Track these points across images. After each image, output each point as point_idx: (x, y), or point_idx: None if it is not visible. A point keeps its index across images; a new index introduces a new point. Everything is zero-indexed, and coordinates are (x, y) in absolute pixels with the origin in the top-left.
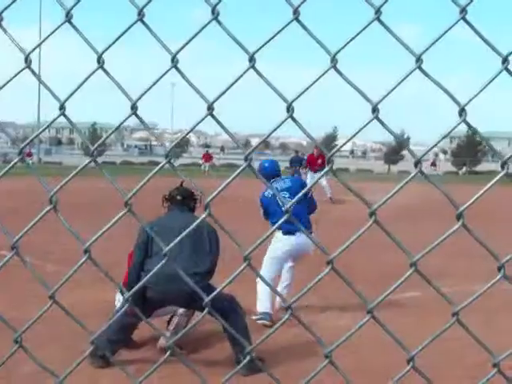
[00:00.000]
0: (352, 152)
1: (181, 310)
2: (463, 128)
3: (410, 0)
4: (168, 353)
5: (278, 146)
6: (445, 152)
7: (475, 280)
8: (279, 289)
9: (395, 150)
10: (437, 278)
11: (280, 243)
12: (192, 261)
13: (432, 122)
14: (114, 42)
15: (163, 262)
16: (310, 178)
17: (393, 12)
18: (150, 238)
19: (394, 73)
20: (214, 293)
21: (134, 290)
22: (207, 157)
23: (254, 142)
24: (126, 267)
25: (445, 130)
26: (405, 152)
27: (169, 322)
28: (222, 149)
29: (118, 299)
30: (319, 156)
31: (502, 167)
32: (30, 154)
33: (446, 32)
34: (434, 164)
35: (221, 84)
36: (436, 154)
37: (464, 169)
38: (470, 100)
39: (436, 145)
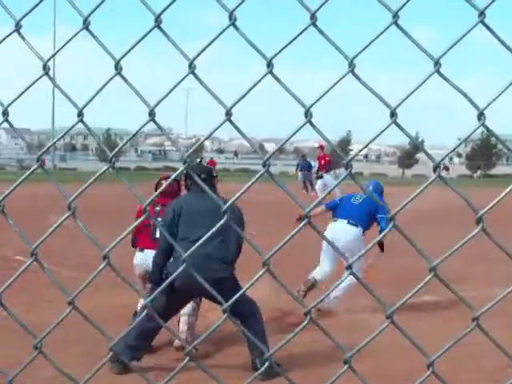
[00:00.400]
0: (366, 156)
1: (186, 310)
2: (478, 131)
3: (425, 1)
4: (187, 359)
5: (292, 150)
6: (459, 155)
7: (495, 284)
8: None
9: (409, 154)
10: (456, 282)
11: (328, 229)
12: (221, 247)
13: (446, 124)
14: (131, 49)
15: (179, 268)
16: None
17: (407, 14)
18: (174, 221)
19: (408, 75)
20: (233, 299)
21: (152, 296)
22: (212, 164)
23: (269, 146)
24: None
25: (460, 132)
26: (419, 156)
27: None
28: (236, 154)
29: (136, 257)
30: (323, 156)
31: None
32: (44, 162)
33: (465, 36)
34: (446, 168)
35: (236, 88)
36: (450, 158)
37: (479, 172)
38: (489, 104)
39: (455, 149)
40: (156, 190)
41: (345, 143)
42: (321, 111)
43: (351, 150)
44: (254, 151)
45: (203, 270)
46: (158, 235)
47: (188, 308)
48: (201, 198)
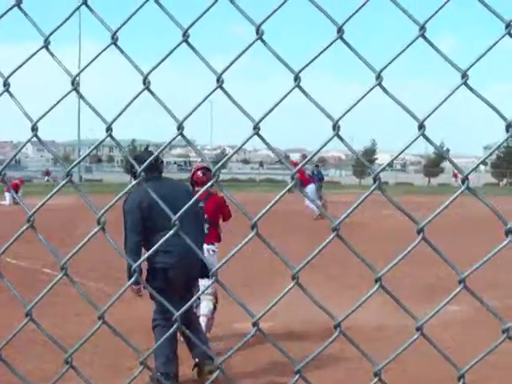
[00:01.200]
0: (391, 165)
1: (206, 311)
2: (502, 138)
3: (447, 9)
4: (217, 372)
5: (316, 160)
6: (485, 163)
7: None
8: None
9: (435, 163)
10: (487, 290)
11: None
12: (197, 232)
13: (468, 132)
14: (159, 64)
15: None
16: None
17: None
18: (147, 215)
19: (429, 84)
20: (265, 311)
21: (182, 310)
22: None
23: (294, 157)
24: None
25: (483, 140)
26: (444, 164)
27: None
28: (261, 164)
29: None
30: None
31: None
32: (49, 173)
33: (492, 47)
34: (456, 176)
35: (263, 99)
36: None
37: (505, 180)
38: None
39: (483, 160)
40: (192, 179)
41: (370, 153)
42: (343, 121)
43: (376, 158)
44: (278, 161)
45: (192, 256)
46: (206, 231)
47: (208, 309)
48: (160, 185)
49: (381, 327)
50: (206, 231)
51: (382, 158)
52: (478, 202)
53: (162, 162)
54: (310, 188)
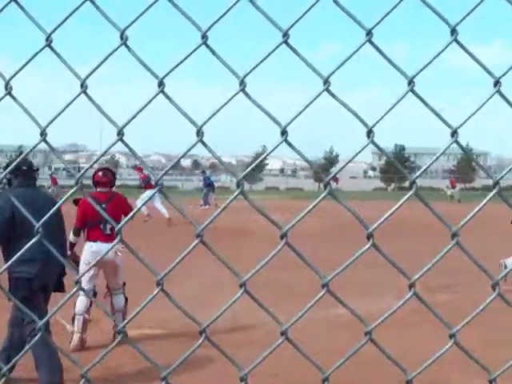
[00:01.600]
0: (282, 170)
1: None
2: (390, 145)
3: (314, 18)
4: (83, 380)
5: (208, 166)
6: (374, 168)
7: (395, 294)
8: None
9: (324, 168)
10: (362, 294)
11: None
12: (63, 244)
13: (357, 138)
14: (20, 69)
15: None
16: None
17: (299, 29)
18: (18, 216)
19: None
20: (129, 319)
21: (45, 319)
22: (54, 180)
23: (184, 162)
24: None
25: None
26: (333, 169)
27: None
28: (153, 169)
29: (91, 246)
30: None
31: (411, 187)
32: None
33: (352, 55)
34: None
35: (121, 103)
36: (365, 171)
37: (393, 185)
38: (377, 121)
39: (339, 172)
40: (93, 180)
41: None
42: (224, 126)
43: (267, 164)
44: (149, 169)
45: (54, 265)
46: (109, 231)
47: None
48: (34, 193)
49: (256, 330)
50: (108, 232)
51: (273, 163)
52: (340, 206)
53: (37, 169)
54: (148, 193)
